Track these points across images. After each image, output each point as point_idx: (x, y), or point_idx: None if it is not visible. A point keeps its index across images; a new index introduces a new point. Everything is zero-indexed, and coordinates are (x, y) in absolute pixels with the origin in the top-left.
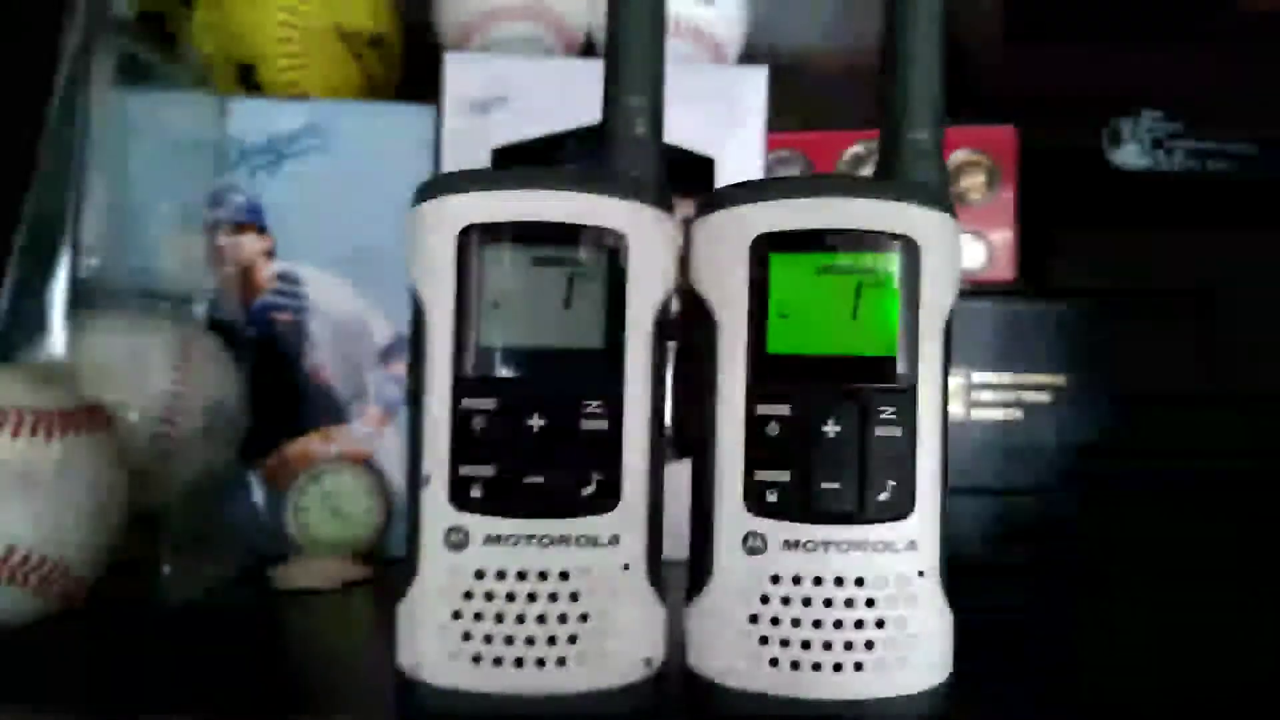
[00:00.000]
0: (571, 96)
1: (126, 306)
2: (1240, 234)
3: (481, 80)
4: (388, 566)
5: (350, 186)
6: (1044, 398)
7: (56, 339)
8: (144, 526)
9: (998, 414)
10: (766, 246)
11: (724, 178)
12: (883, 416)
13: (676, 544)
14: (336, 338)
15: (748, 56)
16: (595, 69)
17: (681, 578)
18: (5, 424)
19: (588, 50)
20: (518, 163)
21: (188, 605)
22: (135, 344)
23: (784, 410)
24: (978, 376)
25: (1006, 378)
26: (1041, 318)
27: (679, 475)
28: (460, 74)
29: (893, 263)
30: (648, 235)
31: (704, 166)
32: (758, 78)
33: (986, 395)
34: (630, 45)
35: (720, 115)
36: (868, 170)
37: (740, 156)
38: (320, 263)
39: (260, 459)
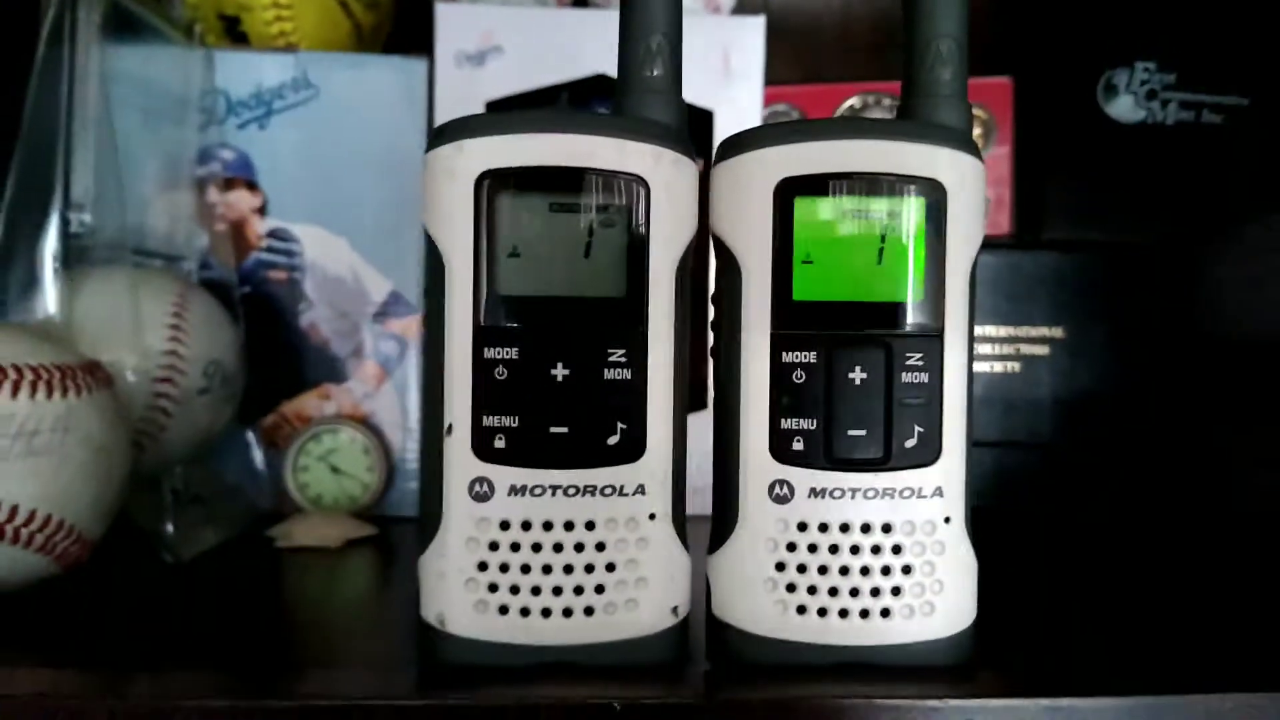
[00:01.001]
0: (566, 47)
1: (119, 263)
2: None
3: (474, 31)
4: (387, 526)
5: (342, 140)
6: (1042, 350)
7: (49, 297)
8: (146, 487)
9: (996, 366)
10: (790, 190)
11: (722, 131)
12: (909, 363)
13: (693, 499)
14: (331, 294)
15: (740, 7)
16: (590, 19)
17: (702, 534)
18: (5, 381)
19: (581, 0)
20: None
21: (192, 564)
22: (131, 302)
23: (810, 358)
24: (977, 329)
25: (1004, 331)
26: (1039, 270)
27: (694, 428)
28: (452, 25)
29: (918, 207)
30: (669, 180)
31: (702, 120)
32: (755, 28)
33: (985, 348)
34: None
35: (717, 68)
36: None
37: (738, 110)
38: (313, 218)
39: (258, 418)
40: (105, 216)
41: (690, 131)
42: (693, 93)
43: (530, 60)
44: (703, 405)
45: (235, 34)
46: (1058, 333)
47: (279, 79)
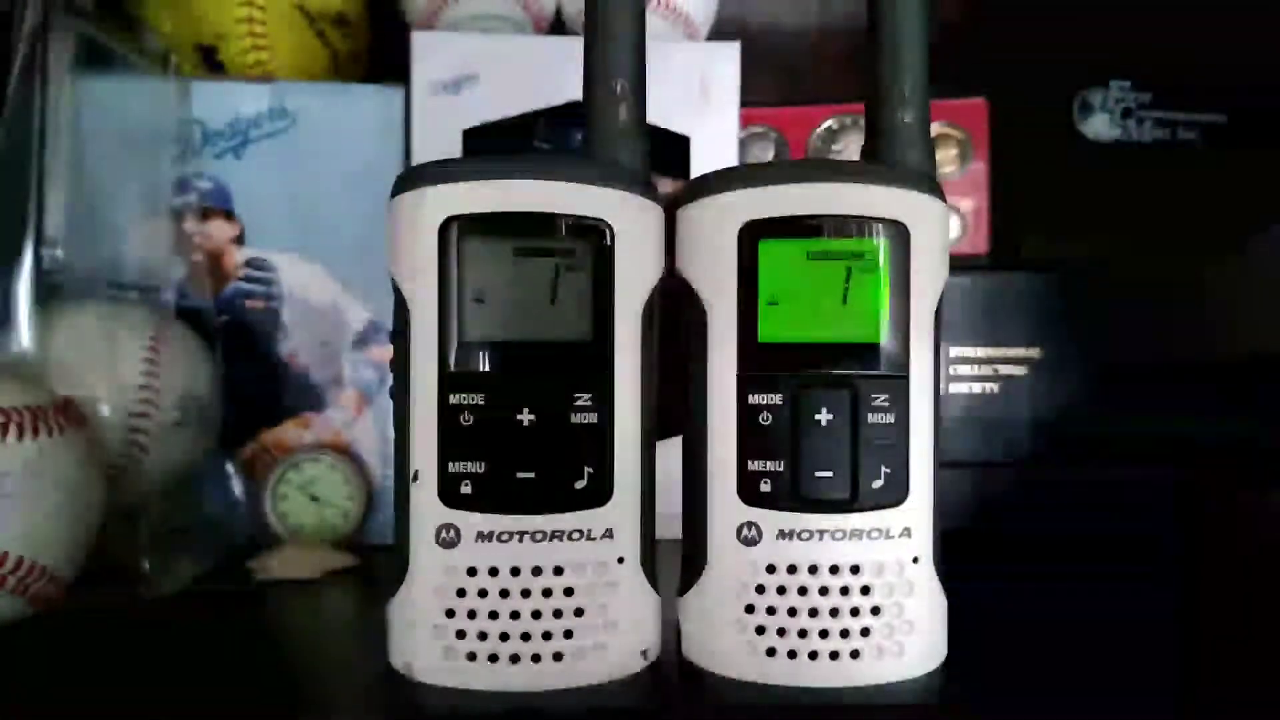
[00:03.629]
0: (543, 75)
1: (93, 298)
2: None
3: (450, 59)
4: (368, 554)
5: (319, 169)
6: (1020, 370)
7: (23, 333)
8: (122, 522)
9: (974, 387)
10: (755, 233)
11: (699, 155)
12: (875, 403)
13: (665, 524)
14: (310, 323)
15: (716, 32)
16: (566, 46)
17: (671, 557)
18: None
19: (557, 27)
20: (490, 143)
21: (168, 601)
22: (105, 336)
23: (776, 399)
24: (954, 350)
25: (982, 351)
26: (1016, 290)
27: (664, 454)
28: (428, 53)
29: (882, 247)
30: (634, 223)
31: (678, 144)
32: (730, 53)
33: (962, 369)
34: (610, 27)
35: (693, 92)
36: (842, 144)
37: (714, 134)
38: (290, 247)
39: (237, 448)
40: (79, 252)
41: (667, 156)
42: (670, 118)
43: (507, 88)
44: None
45: (212, 63)
46: (1035, 353)
47: (255, 108)
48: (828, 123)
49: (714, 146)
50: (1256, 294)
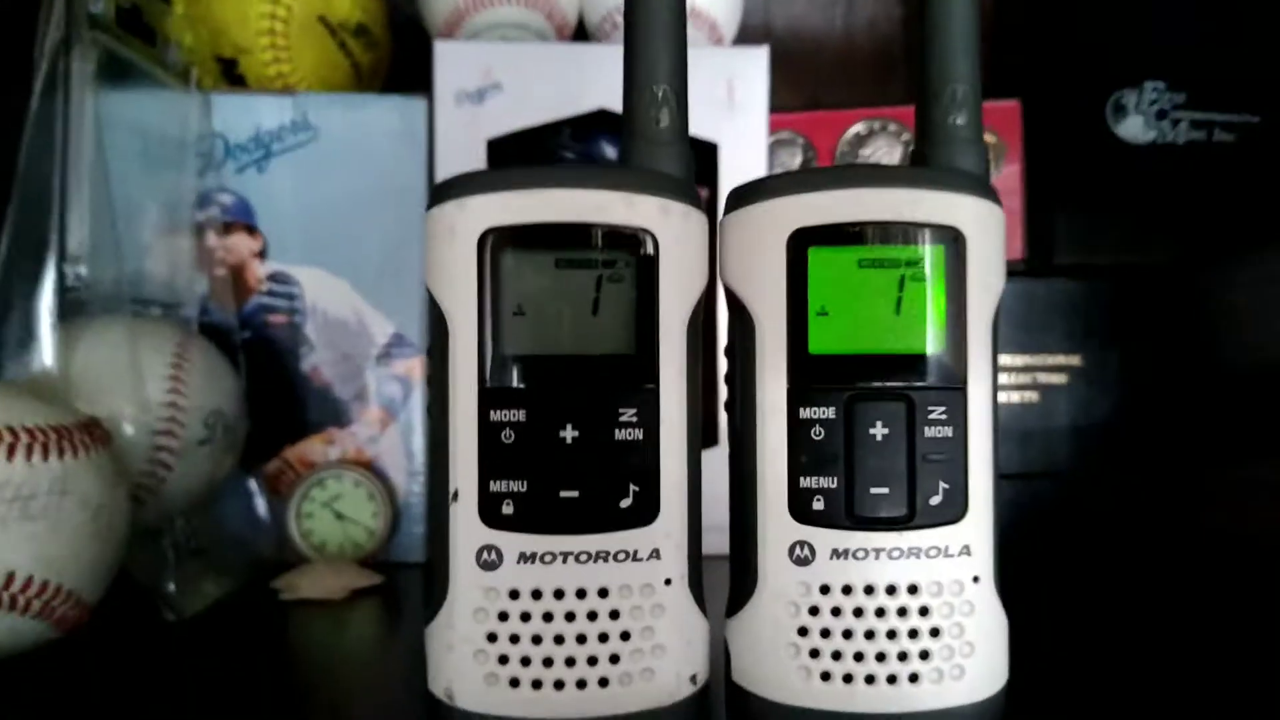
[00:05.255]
0: (567, 83)
1: (117, 314)
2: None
3: (473, 69)
4: (394, 572)
5: (341, 181)
6: (1059, 379)
7: (46, 352)
8: (146, 542)
9: (1014, 397)
10: (804, 241)
11: (727, 162)
12: (932, 416)
13: (709, 538)
14: (334, 337)
15: (740, 38)
16: (589, 54)
17: (718, 575)
18: (0, 444)
19: (580, 35)
20: (514, 153)
21: (194, 622)
22: (128, 353)
23: (828, 413)
24: None
25: (1020, 360)
26: (1052, 297)
27: (708, 464)
28: (451, 63)
29: (937, 254)
30: (678, 233)
31: (706, 152)
32: (758, 59)
33: (1002, 378)
34: (650, 29)
35: (721, 99)
36: (870, 149)
37: (743, 140)
38: (314, 261)
39: (260, 465)
40: (102, 268)
41: (695, 162)
42: (697, 125)
43: (531, 97)
44: (714, 442)
45: (233, 77)
46: (1075, 360)
47: (277, 121)
48: (856, 128)
49: (743, 153)
50: None
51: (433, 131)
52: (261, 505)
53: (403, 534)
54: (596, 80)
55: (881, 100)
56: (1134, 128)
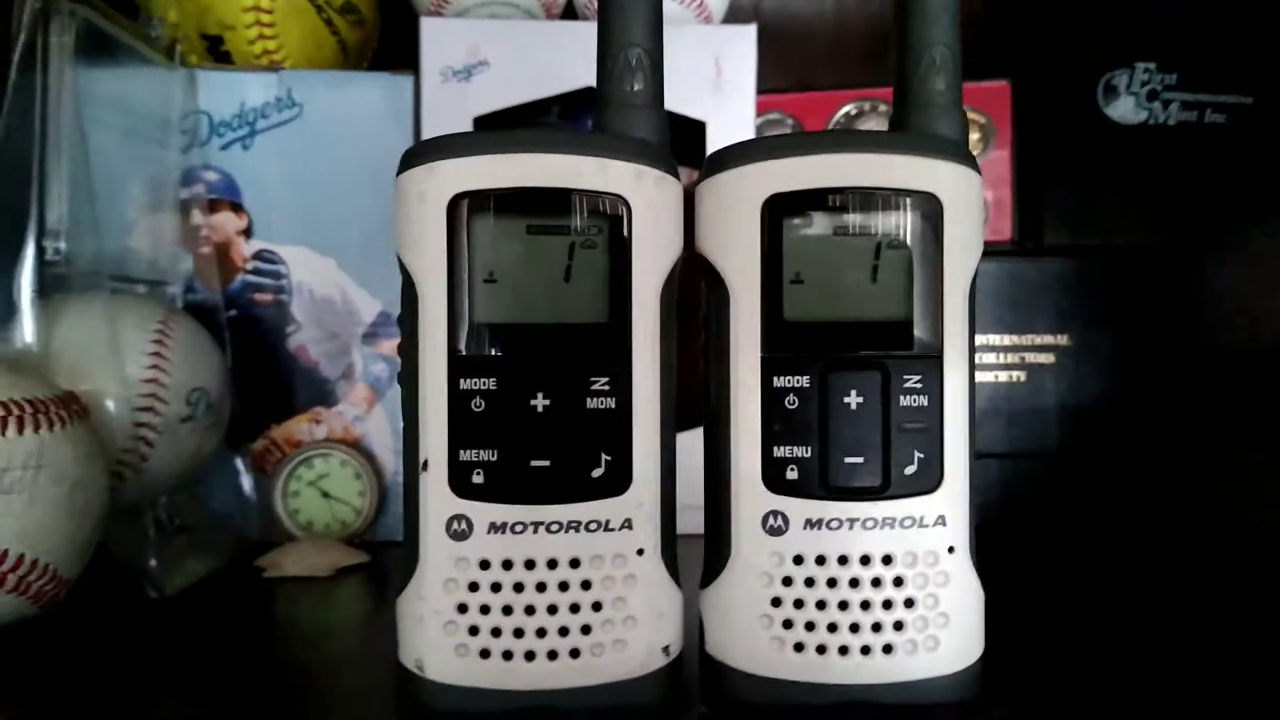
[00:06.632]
0: (555, 60)
1: (98, 290)
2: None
3: (460, 46)
4: (380, 551)
5: (327, 159)
6: (1047, 358)
7: (26, 327)
8: (128, 519)
9: (1001, 376)
10: (779, 208)
11: (715, 142)
12: (907, 385)
13: (685, 517)
14: (320, 316)
15: (730, 17)
16: (578, 31)
17: (692, 553)
18: None
19: (569, 13)
20: (503, 128)
21: (175, 600)
22: (110, 330)
23: (802, 381)
24: (979, 339)
25: (1008, 340)
26: (1041, 277)
27: (685, 446)
28: (438, 40)
29: (914, 221)
30: (652, 199)
31: (694, 130)
32: (747, 37)
33: (989, 358)
34: None
35: (709, 77)
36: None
37: (730, 119)
38: (299, 239)
39: (246, 444)
40: (82, 243)
41: (682, 143)
42: (684, 103)
43: (518, 74)
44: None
45: (218, 54)
46: (1063, 340)
47: (263, 98)
48: (846, 108)
49: (730, 132)
50: None
51: (419, 109)
52: (248, 484)
53: (389, 513)
54: (585, 57)
55: (872, 81)
56: (1125, 109)
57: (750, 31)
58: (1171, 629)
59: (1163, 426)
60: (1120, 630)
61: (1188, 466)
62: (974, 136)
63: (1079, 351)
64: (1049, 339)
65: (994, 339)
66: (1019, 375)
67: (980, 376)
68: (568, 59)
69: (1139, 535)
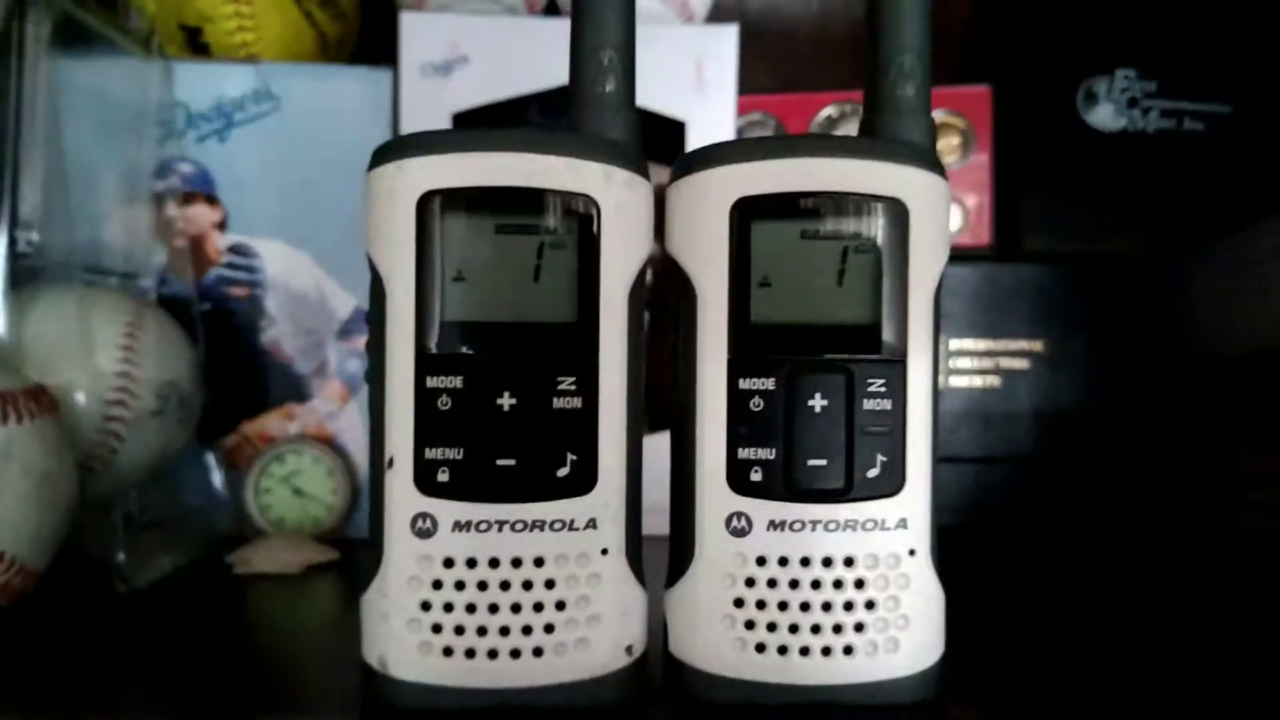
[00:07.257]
0: (535, 57)
1: (70, 282)
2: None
3: (440, 41)
4: (352, 549)
5: (304, 153)
6: (1021, 364)
7: None
8: (97, 513)
9: (976, 381)
10: (747, 210)
11: (695, 142)
12: (871, 389)
13: (653, 519)
14: (294, 311)
15: (713, 18)
16: (559, 28)
17: (660, 555)
18: None
19: (550, 9)
20: (480, 126)
21: (143, 595)
22: (80, 322)
23: (768, 384)
24: (954, 343)
25: (983, 344)
26: (1017, 282)
27: (655, 449)
28: (417, 35)
29: (880, 226)
30: (621, 200)
31: (674, 130)
32: (728, 36)
33: (963, 362)
34: None
35: (690, 77)
36: (842, 132)
37: (711, 119)
38: (275, 233)
39: (218, 439)
40: (55, 235)
41: (663, 143)
42: (665, 103)
43: (498, 71)
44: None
45: (197, 45)
46: (1037, 346)
47: (240, 91)
48: (827, 110)
49: (710, 132)
50: (1260, 287)
51: (398, 104)
52: (219, 479)
53: (362, 510)
54: (565, 55)
55: (856, 83)
56: (1104, 115)
57: (732, 32)
58: (1139, 632)
59: (1136, 432)
60: (1088, 632)
61: (1161, 472)
62: (954, 141)
63: (1054, 357)
64: (1024, 344)
65: (970, 344)
66: (994, 380)
67: (955, 381)
68: (549, 56)
69: (1112, 540)
